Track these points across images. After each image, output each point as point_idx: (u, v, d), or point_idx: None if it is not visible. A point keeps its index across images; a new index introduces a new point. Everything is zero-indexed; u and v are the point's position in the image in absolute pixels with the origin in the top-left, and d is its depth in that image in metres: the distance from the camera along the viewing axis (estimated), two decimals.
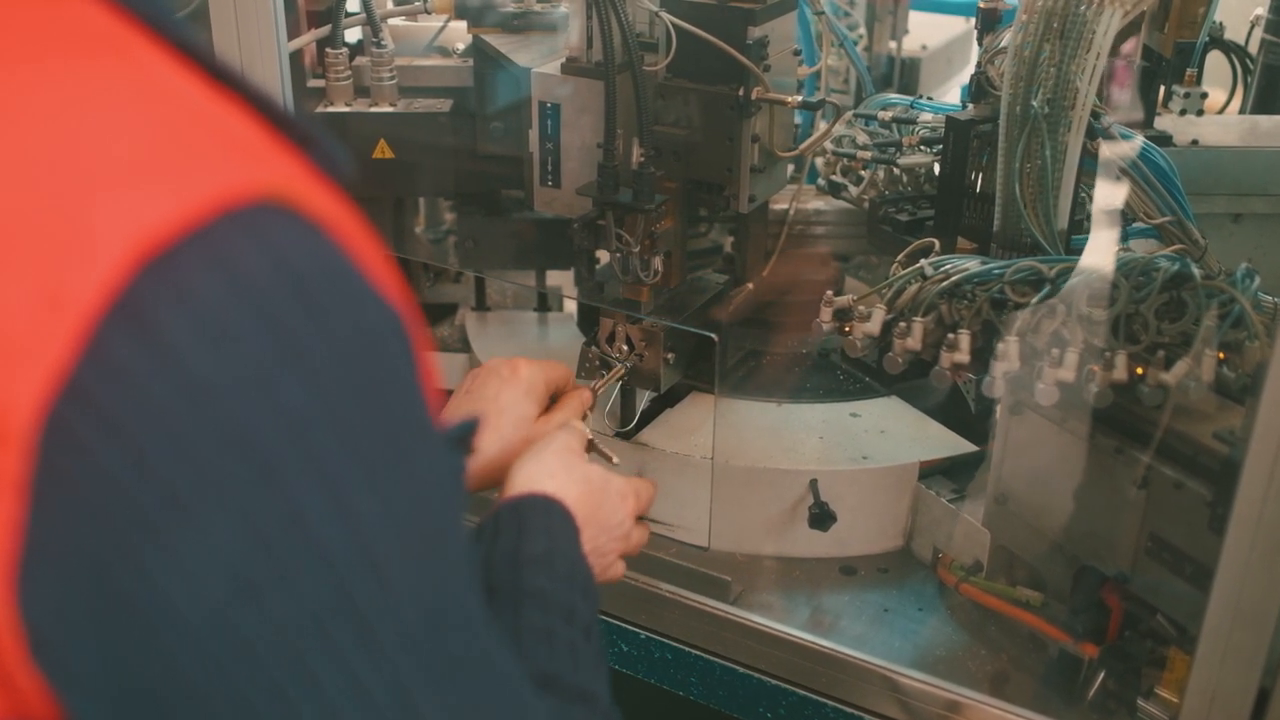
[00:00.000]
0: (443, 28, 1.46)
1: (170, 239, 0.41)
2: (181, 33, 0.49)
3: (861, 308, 1.17)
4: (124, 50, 0.47)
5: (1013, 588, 1.23)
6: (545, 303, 1.63)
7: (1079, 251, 1.21)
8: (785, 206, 1.55)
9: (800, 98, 1.25)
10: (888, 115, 1.42)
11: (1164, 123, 1.51)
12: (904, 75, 1.84)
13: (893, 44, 1.83)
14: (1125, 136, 1.30)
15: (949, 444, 1.37)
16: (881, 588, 1.32)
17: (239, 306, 0.42)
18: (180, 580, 0.42)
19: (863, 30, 1.83)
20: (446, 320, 1.62)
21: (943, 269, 1.15)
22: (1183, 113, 1.51)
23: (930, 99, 1.49)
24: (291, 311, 0.43)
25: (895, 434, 1.38)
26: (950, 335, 1.11)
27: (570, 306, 1.62)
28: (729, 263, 1.59)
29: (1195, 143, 1.47)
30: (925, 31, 1.89)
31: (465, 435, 0.66)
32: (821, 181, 1.52)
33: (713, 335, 1.18)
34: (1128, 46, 1.58)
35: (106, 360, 0.40)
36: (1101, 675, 1.17)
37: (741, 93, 1.23)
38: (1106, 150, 1.26)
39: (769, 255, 1.55)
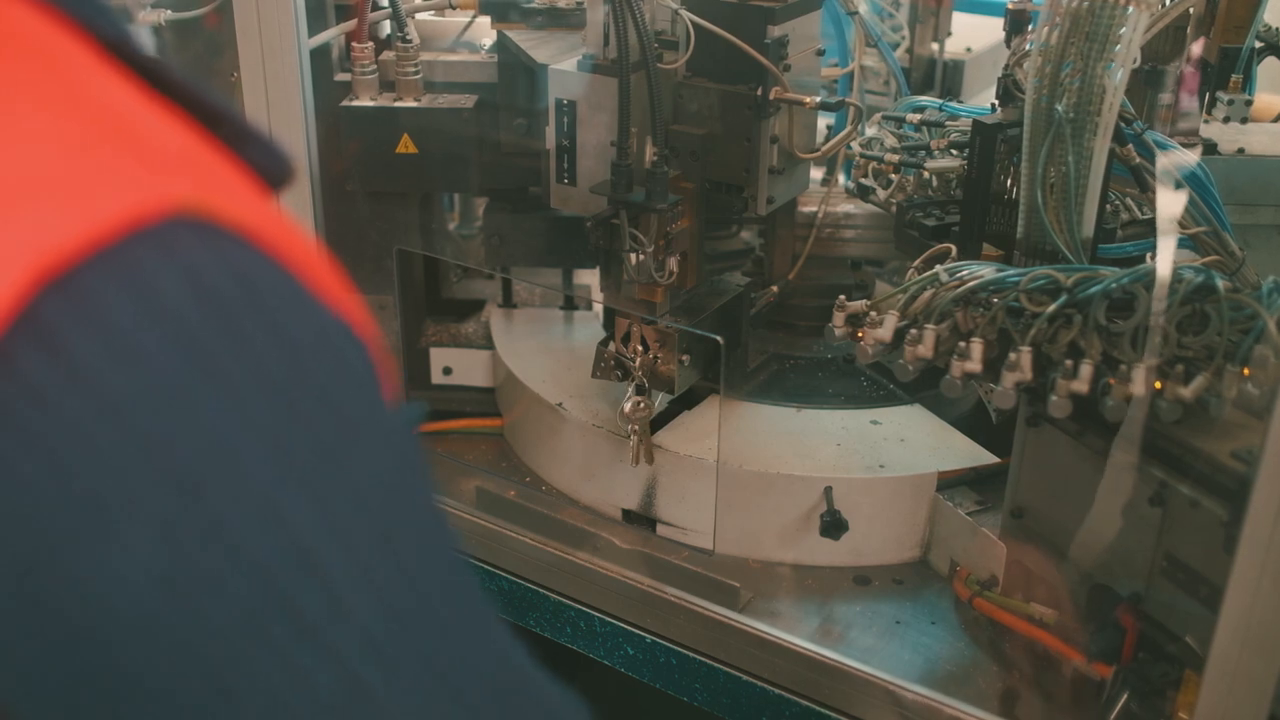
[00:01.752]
0: (470, 23, 1.46)
1: (75, 258, 0.41)
2: (114, 32, 0.48)
3: (874, 313, 1.14)
4: (44, 54, 0.46)
5: (1027, 604, 1.20)
6: (572, 301, 1.62)
7: (1107, 261, 1.18)
8: (814, 209, 1.53)
9: (819, 98, 1.23)
10: (917, 118, 1.39)
11: (1209, 131, 1.47)
12: (946, 78, 1.81)
13: (935, 46, 1.79)
14: (1160, 144, 1.26)
15: (970, 455, 1.34)
16: (895, 599, 1.29)
17: (149, 324, 0.41)
18: (110, 583, 0.42)
19: (906, 32, 1.80)
20: (473, 316, 1.62)
21: (958, 275, 1.13)
22: (1226, 120, 1.47)
23: (960, 102, 1.46)
24: (205, 326, 0.42)
25: (915, 443, 1.36)
26: (962, 343, 1.09)
27: (599, 306, 1.62)
28: (758, 265, 1.58)
29: (1241, 151, 1.43)
30: (970, 34, 1.85)
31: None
32: (850, 184, 1.49)
33: (718, 338, 1.17)
34: (1195, 49, 1.54)
35: (18, 378, 0.40)
36: (1124, 697, 1.14)
37: (760, 93, 1.21)
38: (1137, 157, 1.23)
39: (796, 259, 1.53)
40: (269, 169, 0.50)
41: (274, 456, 0.44)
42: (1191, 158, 1.28)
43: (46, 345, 0.40)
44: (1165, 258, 1.03)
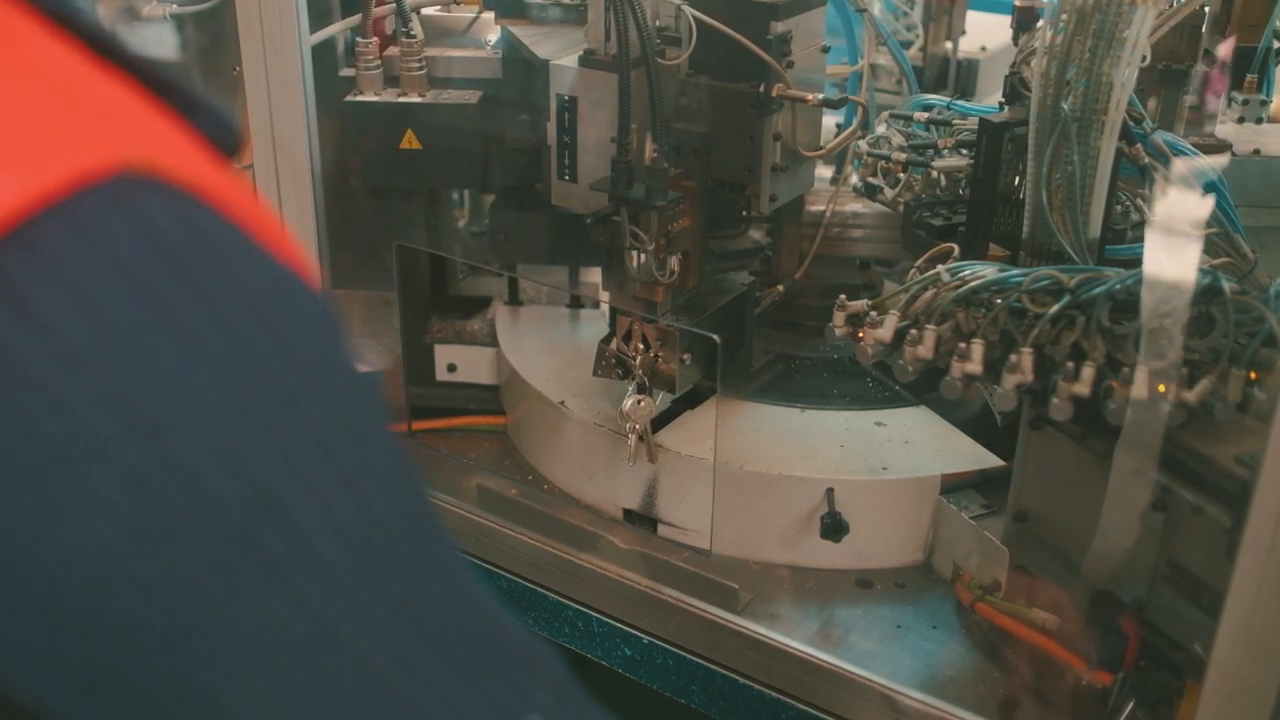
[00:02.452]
0: (475, 18, 1.45)
1: (27, 212, 0.41)
2: (61, 4, 0.49)
3: (874, 314, 1.13)
4: None
5: (1029, 609, 1.18)
6: (578, 299, 1.61)
7: (1114, 262, 1.16)
8: (822, 208, 1.51)
9: (822, 95, 1.22)
10: (924, 116, 1.38)
11: (1224, 131, 1.45)
12: (960, 77, 1.79)
13: (948, 44, 1.77)
14: (1172, 144, 1.25)
15: (975, 458, 1.32)
16: (897, 603, 1.28)
17: (105, 273, 0.42)
18: (80, 531, 0.42)
19: (920, 31, 1.78)
20: (480, 314, 1.62)
21: (959, 275, 1.11)
22: (1241, 120, 1.45)
23: (967, 100, 1.44)
24: (160, 275, 0.43)
25: (919, 445, 1.34)
26: (962, 344, 1.07)
27: (605, 304, 1.61)
28: (767, 264, 1.57)
29: (1258, 152, 1.41)
30: (985, 33, 1.83)
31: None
32: (858, 183, 1.48)
33: (714, 336, 1.15)
34: (1224, 50, 1.52)
35: None
36: (1130, 705, 1.12)
37: (762, 89, 1.20)
38: (1146, 157, 1.21)
39: (803, 258, 1.51)
40: (218, 137, 0.51)
41: (235, 400, 0.45)
42: (1211, 160, 1.26)
43: (4, 297, 0.41)
44: (1161, 259, 1.01)
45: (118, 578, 0.43)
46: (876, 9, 1.77)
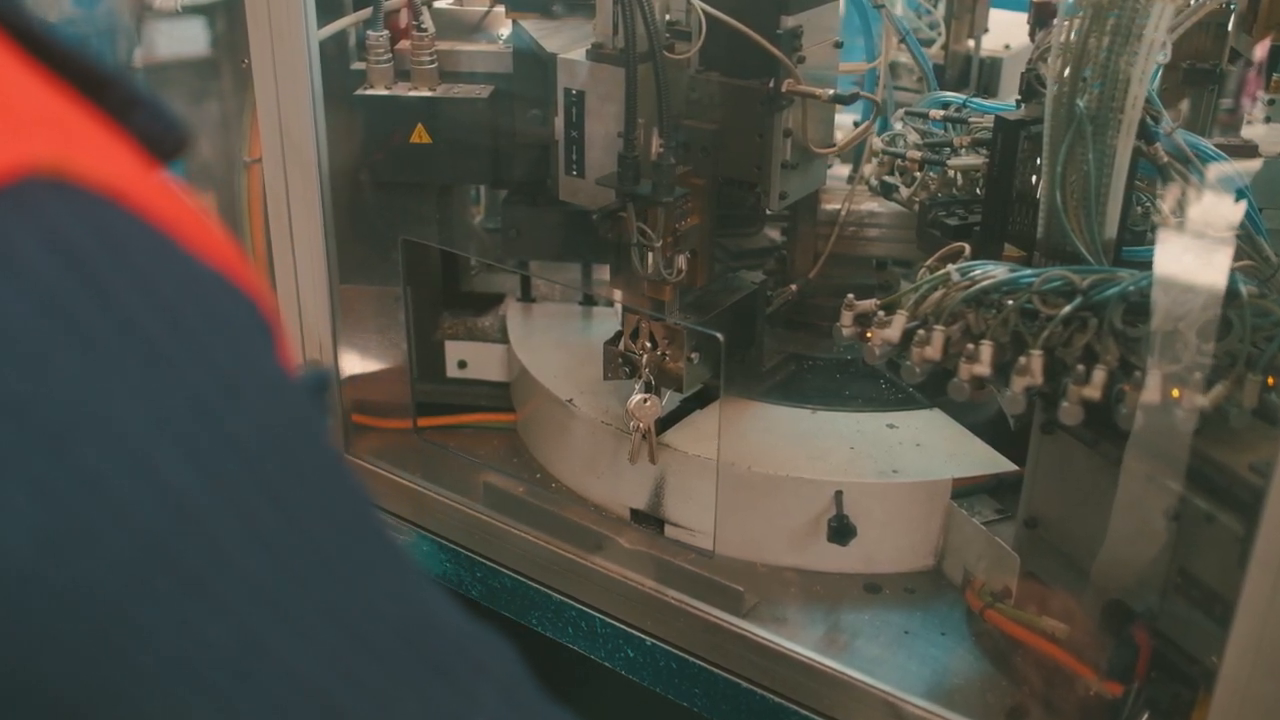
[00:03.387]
0: (488, 12, 1.44)
1: None
2: None
3: (882, 313, 1.11)
4: None
5: (1039, 617, 1.16)
6: (591, 297, 1.60)
7: (1131, 264, 1.14)
8: (837, 207, 1.49)
9: (833, 91, 1.19)
10: (939, 114, 1.35)
11: (1249, 132, 1.42)
12: (983, 76, 1.76)
13: (970, 42, 1.74)
14: (1194, 144, 1.22)
15: (989, 462, 1.30)
16: (905, 608, 1.26)
17: (5, 282, 0.41)
18: None
19: (942, 29, 1.75)
20: (492, 310, 1.60)
21: (970, 275, 1.09)
22: (1268, 120, 1.41)
23: (984, 98, 1.42)
24: (65, 283, 0.42)
25: (932, 448, 1.32)
26: (970, 345, 1.05)
27: (619, 302, 1.59)
28: (782, 263, 1.55)
29: None
30: (1009, 31, 1.80)
31: (318, 384, 0.64)
32: (873, 181, 1.46)
33: (718, 335, 1.14)
34: (1260, 51, 1.49)
35: None
36: (1144, 717, 1.10)
37: (772, 85, 1.18)
38: (1165, 156, 1.18)
39: (818, 257, 1.49)
40: (158, 135, 0.50)
41: (144, 409, 0.43)
42: (1238, 163, 1.23)
43: None
44: (1175, 260, 0.98)
45: (29, 589, 0.42)
46: (899, 8, 1.75)
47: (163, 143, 0.51)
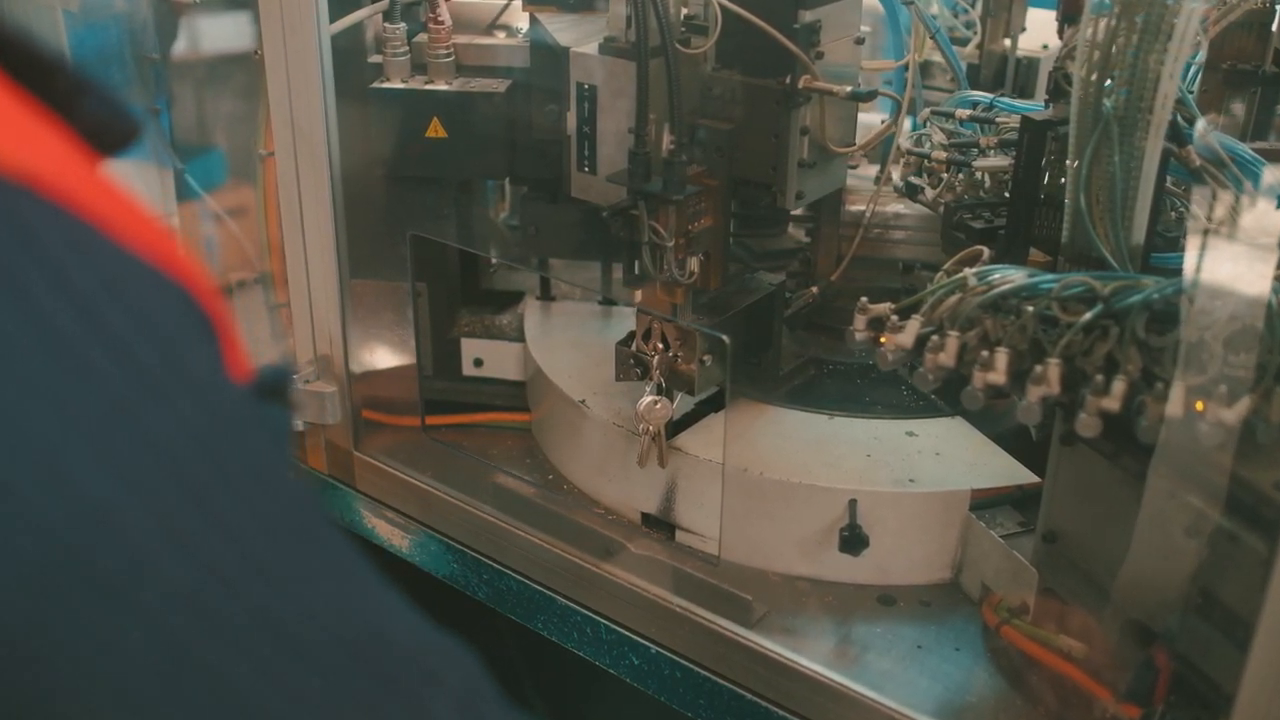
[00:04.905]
0: (507, 5, 1.42)
1: None
2: None
3: (895, 318, 1.07)
4: None
5: (1055, 635, 1.12)
6: (610, 296, 1.57)
7: (1160, 271, 1.09)
8: (862, 208, 1.46)
9: (850, 88, 1.16)
10: (965, 114, 1.31)
11: None
12: (1020, 76, 1.71)
13: (1006, 42, 1.70)
14: (1230, 148, 1.17)
15: (1010, 473, 1.26)
16: (920, 622, 1.22)
17: None
18: None
19: (979, 28, 1.71)
20: (511, 308, 1.58)
21: (987, 280, 1.05)
22: None
23: (1017, 98, 1.38)
24: None
25: (951, 458, 1.28)
26: (984, 353, 1.01)
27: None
28: (807, 265, 1.51)
29: None
30: (1047, 30, 1.75)
31: (276, 383, 0.62)
32: (899, 183, 1.42)
33: (722, 336, 1.11)
34: None
35: None
36: None
37: (789, 81, 1.15)
38: (1198, 159, 1.14)
39: (841, 259, 1.46)
40: (107, 124, 0.48)
41: (56, 412, 0.42)
42: (1275, 170, 1.19)
43: None
44: (1202, 266, 0.94)
45: None
46: (934, 6, 1.71)
47: (112, 131, 0.50)
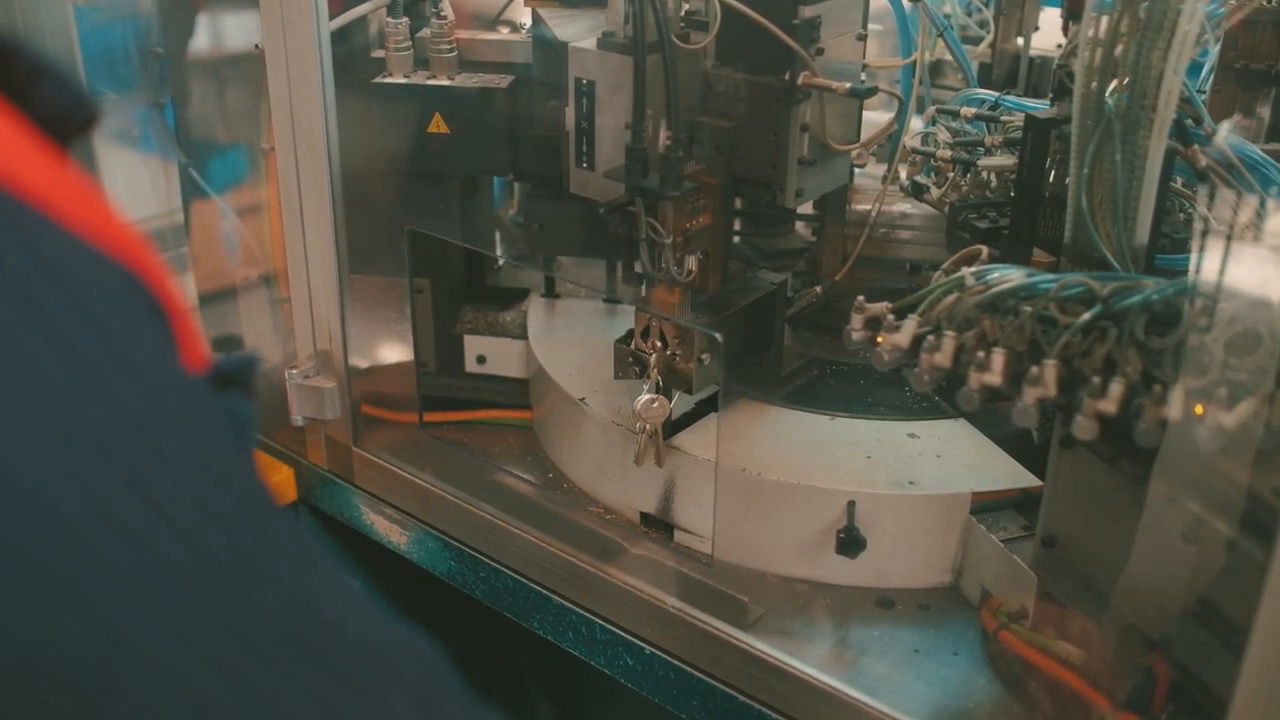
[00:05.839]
0: (510, 0, 1.41)
1: None
2: None
3: (892, 317, 1.06)
4: None
5: (1053, 641, 1.10)
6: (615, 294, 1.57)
7: (1161, 272, 1.08)
8: (868, 208, 1.44)
9: (850, 84, 1.15)
10: (971, 112, 1.30)
11: None
12: (1032, 75, 1.69)
13: (1019, 40, 1.68)
14: (1238, 148, 1.15)
15: (1011, 476, 1.24)
16: (918, 626, 1.20)
17: None
18: None
19: (992, 27, 1.69)
20: (515, 306, 1.58)
21: (985, 279, 1.03)
22: None
23: (1025, 97, 1.36)
24: None
25: (952, 460, 1.27)
26: (981, 353, 1.00)
27: None
28: (813, 265, 1.50)
29: None
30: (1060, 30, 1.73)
31: (236, 372, 0.61)
32: (905, 182, 1.41)
33: (716, 334, 1.10)
34: None
35: None
36: None
37: (788, 78, 1.13)
38: (1205, 159, 1.12)
39: (845, 259, 1.45)
40: (65, 108, 0.47)
41: None
42: None
43: None
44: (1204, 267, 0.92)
45: None
46: (947, 5, 1.69)
47: (70, 116, 0.49)
